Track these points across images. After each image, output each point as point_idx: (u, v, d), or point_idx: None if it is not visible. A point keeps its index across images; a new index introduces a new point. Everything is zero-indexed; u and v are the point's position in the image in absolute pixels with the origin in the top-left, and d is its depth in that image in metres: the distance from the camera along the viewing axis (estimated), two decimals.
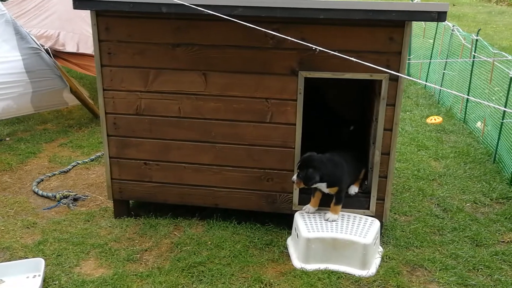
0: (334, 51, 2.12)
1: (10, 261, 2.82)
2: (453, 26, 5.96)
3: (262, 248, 3.02)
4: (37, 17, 5.90)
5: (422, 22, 6.61)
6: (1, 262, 2.82)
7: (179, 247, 3.02)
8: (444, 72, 6.05)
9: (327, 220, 2.94)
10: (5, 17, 4.54)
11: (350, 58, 2.04)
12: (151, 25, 2.93)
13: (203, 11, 2.46)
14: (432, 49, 6.73)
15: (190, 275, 2.75)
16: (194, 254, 2.94)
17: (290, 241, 3.05)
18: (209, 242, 3.06)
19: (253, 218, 3.26)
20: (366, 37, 2.75)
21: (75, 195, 3.63)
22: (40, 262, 2.68)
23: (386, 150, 2.94)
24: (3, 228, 3.21)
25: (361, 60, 2.30)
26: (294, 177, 2.89)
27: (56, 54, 5.03)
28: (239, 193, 3.16)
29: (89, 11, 2.97)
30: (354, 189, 3.13)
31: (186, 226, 3.24)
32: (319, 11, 2.61)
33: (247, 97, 2.97)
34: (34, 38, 4.75)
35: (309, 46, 2.37)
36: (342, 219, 2.96)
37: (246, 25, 2.30)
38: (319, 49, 2.06)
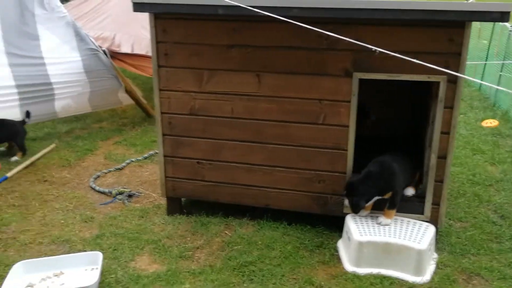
0: (395, 53, 2.09)
1: (69, 253, 2.94)
2: (511, 26, 5.73)
3: (313, 250, 3.01)
4: (94, 19, 6.11)
5: (478, 22, 6.39)
6: (61, 254, 2.94)
7: (230, 246, 3.05)
8: (500, 74, 5.82)
9: (379, 224, 2.89)
10: (66, 19, 4.74)
11: (412, 60, 2.00)
12: (206, 27, 2.98)
13: (259, 12, 2.48)
14: (488, 50, 6.49)
15: (241, 274, 2.78)
16: (245, 253, 2.96)
17: (341, 244, 3.03)
18: (259, 242, 3.07)
19: (304, 220, 3.25)
20: (424, 38, 2.69)
21: (129, 191, 3.75)
22: (98, 255, 2.78)
23: (443, 153, 2.86)
24: (63, 221, 3.35)
25: (418, 62, 2.25)
26: (346, 203, 2.96)
27: (113, 55, 5.20)
28: (290, 194, 3.16)
29: (146, 14, 3.06)
30: (410, 191, 3.07)
31: (237, 226, 3.27)
32: (376, 12, 2.57)
33: (300, 98, 2.97)
34: (92, 40, 4.93)
35: (365, 46, 2.34)
36: (395, 224, 2.90)
37: (302, 26, 2.30)
38: (379, 50, 2.03)
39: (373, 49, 2.03)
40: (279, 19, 2.43)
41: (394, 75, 2.78)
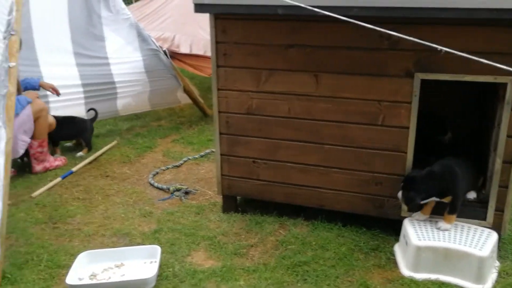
0: (462, 52, 2.02)
1: (129, 246, 3.05)
2: None
3: (368, 252, 2.97)
4: (155, 21, 6.32)
5: None
6: (122, 246, 3.06)
7: (284, 245, 3.06)
8: None
9: (439, 229, 2.81)
10: (130, 21, 4.93)
11: (479, 60, 1.93)
12: (265, 27, 3.01)
13: (319, 12, 2.47)
14: None
15: (294, 274, 2.78)
16: (299, 253, 2.96)
17: (397, 248, 2.97)
18: (313, 243, 3.07)
19: (359, 222, 3.21)
20: (491, 37, 2.59)
21: (186, 188, 3.84)
22: (157, 249, 2.87)
23: (509, 158, 2.74)
24: (123, 215, 3.49)
25: (486, 61, 2.16)
26: (400, 194, 2.83)
27: (172, 55, 5.36)
28: (346, 195, 3.13)
29: (205, 14, 3.12)
30: (472, 195, 2.97)
31: (291, 225, 3.28)
32: (440, 11, 2.50)
33: (358, 99, 2.93)
34: (153, 40, 5.09)
35: (428, 46, 2.27)
36: (455, 229, 2.81)
37: (363, 25, 2.27)
38: (445, 50, 1.97)
39: (438, 49, 1.98)
40: (340, 18, 2.41)
41: (458, 76, 2.69)
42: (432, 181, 2.77)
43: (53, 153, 4.47)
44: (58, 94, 4.53)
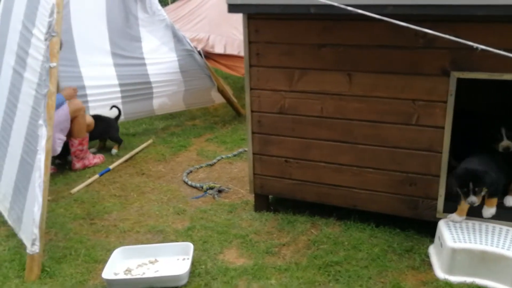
0: (499, 50, 1.97)
1: (163, 243, 3.11)
2: None
3: (402, 254, 2.93)
4: (190, 22, 6.40)
5: None
6: (156, 243, 3.13)
7: (316, 244, 3.05)
8: None
9: (486, 217, 2.77)
10: (166, 22, 5.01)
11: None
12: (297, 26, 3.01)
13: (353, 10, 2.45)
14: None
15: (326, 274, 2.77)
16: (331, 253, 2.95)
17: (432, 250, 2.91)
18: (346, 243, 3.05)
19: (392, 223, 3.17)
20: None
21: (219, 187, 3.88)
22: (189, 246, 2.91)
23: None
24: (157, 212, 3.55)
25: None
26: (472, 198, 2.67)
27: (207, 55, 5.42)
28: (379, 196, 3.10)
29: (238, 15, 3.15)
30: (510, 200, 2.88)
31: (323, 225, 3.27)
32: (477, 8, 2.44)
33: (392, 98, 2.89)
34: (188, 41, 5.16)
35: (465, 44, 2.22)
36: (493, 232, 2.74)
37: (398, 24, 2.25)
38: (480, 48, 1.93)
39: (474, 47, 1.93)
40: (373, 17, 2.39)
41: (496, 75, 2.62)
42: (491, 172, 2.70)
43: (100, 149, 4.61)
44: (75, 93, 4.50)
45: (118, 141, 4.76)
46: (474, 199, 2.68)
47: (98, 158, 4.49)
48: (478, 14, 2.46)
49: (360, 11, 2.38)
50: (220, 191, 3.84)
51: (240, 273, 2.78)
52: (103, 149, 4.78)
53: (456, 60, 2.68)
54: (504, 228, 2.77)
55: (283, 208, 3.48)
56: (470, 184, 2.67)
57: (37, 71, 2.96)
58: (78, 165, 4.32)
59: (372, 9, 2.52)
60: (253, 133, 3.35)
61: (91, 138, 4.65)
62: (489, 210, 2.76)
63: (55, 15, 2.95)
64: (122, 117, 4.92)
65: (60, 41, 3.03)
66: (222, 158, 4.52)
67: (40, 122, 2.89)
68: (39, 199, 2.82)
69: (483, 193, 2.71)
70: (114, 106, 4.88)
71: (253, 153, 3.39)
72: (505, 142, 2.96)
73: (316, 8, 2.75)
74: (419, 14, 2.57)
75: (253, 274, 2.77)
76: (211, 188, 3.85)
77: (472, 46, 1.97)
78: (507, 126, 3.00)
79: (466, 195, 2.70)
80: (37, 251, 2.81)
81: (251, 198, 3.61)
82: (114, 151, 4.67)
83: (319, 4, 2.68)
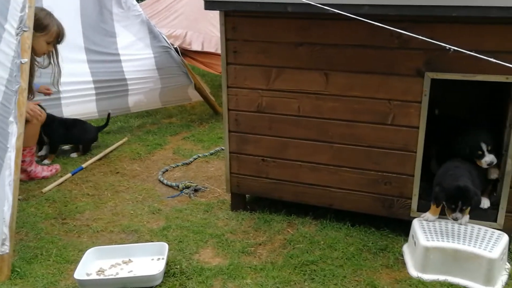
0: (471, 51, 2.00)
1: (137, 243, 3.06)
2: None
3: (376, 253, 2.95)
4: (166, 18, 6.33)
5: None
6: (130, 243, 3.08)
7: (292, 244, 3.05)
8: None
9: (463, 224, 2.81)
10: (141, 17, 4.94)
11: (490, 59, 1.90)
12: (275, 25, 3.00)
13: (329, 10, 2.46)
14: None
15: (302, 273, 2.77)
16: (307, 252, 2.95)
17: (406, 249, 2.94)
18: (321, 242, 3.05)
19: (368, 222, 3.19)
20: (503, 36, 2.55)
21: (195, 186, 3.84)
22: (164, 246, 2.87)
23: None
24: (132, 212, 3.50)
25: (496, 61, 2.13)
26: (458, 215, 2.73)
27: (184, 52, 5.36)
28: (355, 195, 3.11)
29: (216, 12, 3.12)
30: (486, 203, 2.92)
31: (299, 224, 3.27)
32: (453, 9, 2.47)
33: (368, 98, 2.91)
34: (165, 37, 5.10)
35: (439, 45, 2.25)
36: (465, 231, 2.78)
37: (373, 24, 2.26)
38: (454, 49, 1.95)
39: (447, 48, 1.95)
40: (349, 16, 2.40)
41: (469, 75, 2.66)
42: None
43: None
44: (49, 94, 4.41)
45: (85, 150, 4.54)
46: (459, 216, 2.75)
47: (50, 171, 4.07)
48: (454, 15, 2.49)
49: (336, 10, 2.39)
50: (196, 190, 3.81)
51: (216, 273, 2.76)
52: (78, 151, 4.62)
53: (430, 61, 2.71)
54: (476, 227, 2.81)
55: (260, 207, 3.47)
56: (460, 203, 2.71)
57: (7, 67, 2.88)
58: (21, 175, 3.74)
59: (348, 8, 2.53)
60: (230, 131, 3.32)
61: (66, 142, 4.55)
62: (465, 218, 2.80)
63: (26, 10, 2.88)
64: (96, 115, 4.83)
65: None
66: (198, 156, 4.49)
67: (11, 119, 2.82)
68: (10, 198, 2.75)
69: (466, 209, 2.77)
70: (109, 113, 4.81)
71: (230, 152, 3.37)
72: (488, 158, 2.87)
73: (293, 6, 2.75)
74: (394, 14, 2.59)
75: (228, 274, 2.75)
76: (187, 187, 3.81)
77: (445, 47, 1.99)
78: (486, 139, 2.90)
79: (452, 211, 2.75)
80: (7, 251, 2.73)
81: (227, 197, 3.59)
82: (74, 154, 4.50)
83: (296, 3, 2.68)
